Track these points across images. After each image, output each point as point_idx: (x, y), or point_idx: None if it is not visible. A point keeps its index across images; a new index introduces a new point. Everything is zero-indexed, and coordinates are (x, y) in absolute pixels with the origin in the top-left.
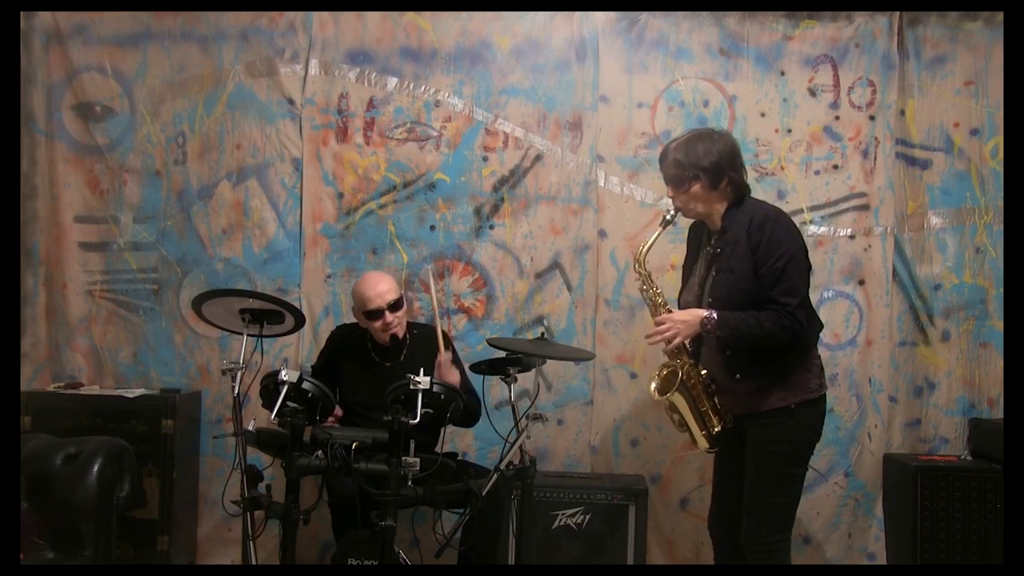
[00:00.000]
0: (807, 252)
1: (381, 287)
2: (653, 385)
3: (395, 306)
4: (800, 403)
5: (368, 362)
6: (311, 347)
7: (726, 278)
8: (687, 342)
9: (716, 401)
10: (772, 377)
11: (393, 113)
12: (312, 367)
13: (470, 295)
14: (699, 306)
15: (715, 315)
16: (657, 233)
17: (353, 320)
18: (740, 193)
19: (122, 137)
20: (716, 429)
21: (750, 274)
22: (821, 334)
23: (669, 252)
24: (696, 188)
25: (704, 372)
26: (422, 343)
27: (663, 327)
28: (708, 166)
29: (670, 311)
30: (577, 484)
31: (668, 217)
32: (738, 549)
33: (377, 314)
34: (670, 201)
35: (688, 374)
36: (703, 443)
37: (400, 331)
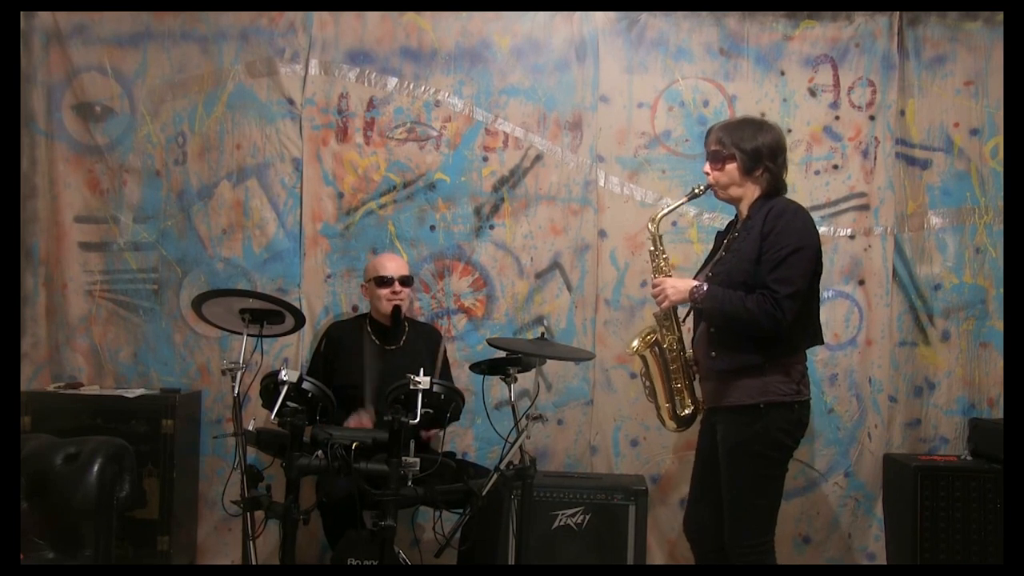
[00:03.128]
0: (819, 254)
1: (399, 262)
2: (635, 343)
3: (405, 281)
4: (769, 404)
5: (369, 347)
6: (311, 347)
7: (732, 258)
8: (680, 317)
9: (695, 386)
10: (744, 363)
11: (393, 113)
12: (307, 370)
13: (470, 295)
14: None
15: (705, 287)
16: (681, 202)
17: (349, 315)
18: (775, 187)
19: (122, 137)
20: (685, 411)
21: (754, 257)
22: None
23: (670, 254)
24: (731, 167)
25: (690, 353)
26: (422, 335)
27: (656, 289)
28: (748, 149)
29: (670, 276)
30: (577, 484)
31: (697, 190)
32: (716, 552)
33: (388, 281)
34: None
35: (669, 345)
36: (668, 420)
37: (405, 306)
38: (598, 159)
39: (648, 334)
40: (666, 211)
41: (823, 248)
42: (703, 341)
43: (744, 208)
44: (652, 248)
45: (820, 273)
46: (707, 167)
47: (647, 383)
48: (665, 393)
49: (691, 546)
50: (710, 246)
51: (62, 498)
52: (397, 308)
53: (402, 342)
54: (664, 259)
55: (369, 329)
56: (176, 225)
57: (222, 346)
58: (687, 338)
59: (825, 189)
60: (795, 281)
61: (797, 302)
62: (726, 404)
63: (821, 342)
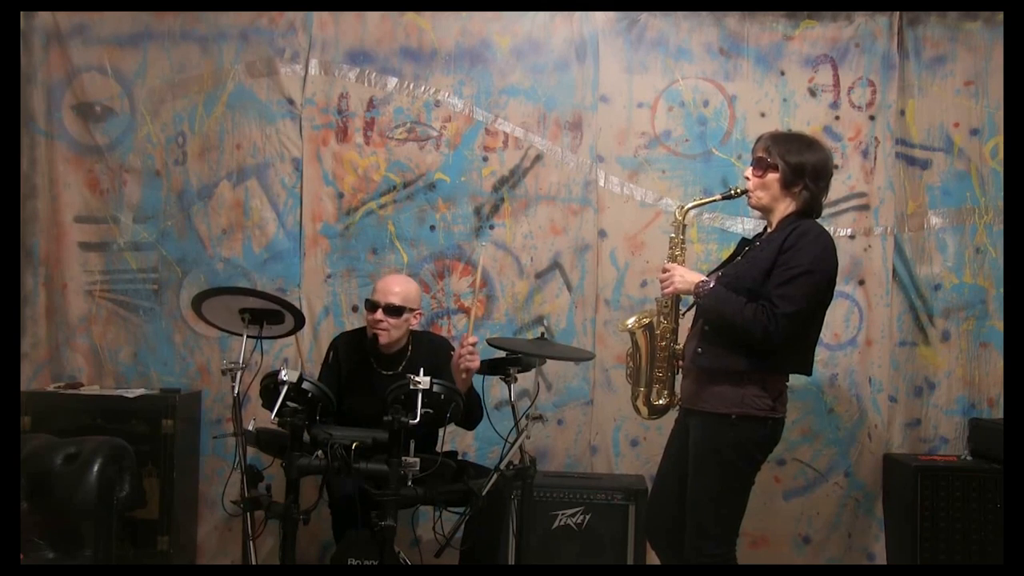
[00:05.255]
0: (831, 283)
1: (393, 287)
2: (631, 319)
3: (391, 310)
4: (742, 416)
5: (367, 370)
6: (311, 347)
7: (745, 264)
8: (680, 311)
9: (675, 381)
10: (726, 366)
11: (393, 113)
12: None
13: (470, 295)
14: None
15: (711, 283)
16: (715, 198)
17: (351, 327)
18: (810, 208)
19: (122, 137)
20: (660, 401)
21: (766, 268)
22: (821, 335)
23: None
24: (772, 177)
25: (678, 348)
26: (425, 352)
27: (665, 274)
28: (792, 163)
29: (683, 263)
30: (577, 484)
31: (734, 191)
32: (677, 554)
33: (372, 305)
34: (674, 205)
35: (662, 332)
36: (641, 406)
37: (385, 337)
38: (598, 159)
39: (645, 316)
40: (697, 203)
41: None
42: (695, 336)
43: (774, 221)
44: (673, 235)
45: (827, 304)
46: (748, 171)
47: (630, 364)
48: (645, 378)
49: (651, 545)
50: (710, 246)
51: (62, 498)
52: (375, 337)
53: (401, 368)
54: (682, 248)
55: (370, 352)
56: (176, 225)
57: (222, 346)
58: (683, 334)
59: None
60: (797, 301)
61: (794, 323)
62: (700, 408)
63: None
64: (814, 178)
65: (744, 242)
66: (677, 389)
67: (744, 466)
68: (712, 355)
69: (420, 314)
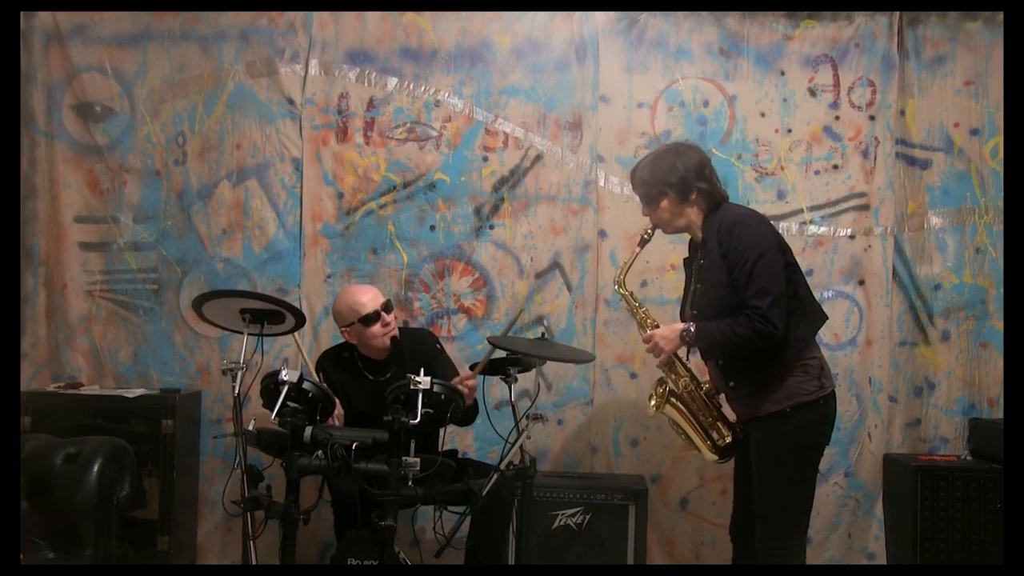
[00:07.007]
0: (783, 249)
1: (370, 293)
2: (652, 402)
3: (388, 307)
4: (795, 406)
5: (360, 381)
6: (311, 347)
7: (706, 288)
8: (683, 356)
9: (723, 412)
10: (764, 382)
11: (393, 113)
12: None
13: (470, 295)
14: (689, 318)
15: (692, 328)
16: (635, 253)
17: (334, 344)
18: (714, 201)
19: (122, 137)
20: (726, 440)
21: (724, 280)
22: (820, 335)
23: (669, 252)
24: (665, 204)
25: (707, 384)
26: (409, 347)
27: (648, 345)
28: (675, 181)
29: (657, 326)
30: (577, 484)
31: (645, 236)
32: (753, 554)
33: (375, 317)
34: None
35: (684, 388)
36: (709, 455)
37: (394, 333)
38: (598, 159)
39: (659, 388)
40: (626, 268)
41: (823, 249)
42: (717, 376)
43: (697, 232)
44: (628, 308)
45: (794, 263)
46: (643, 210)
47: (679, 432)
48: (699, 433)
49: (733, 548)
50: None
51: (62, 498)
52: (395, 339)
53: (394, 369)
54: (644, 312)
55: (360, 364)
56: (176, 225)
57: (222, 346)
58: (698, 370)
59: (825, 189)
60: (771, 289)
61: (781, 307)
62: (757, 415)
63: (825, 318)
64: (700, 177)
65: (687, 262)
66: (730, 416)
67: (803, 456)
68: (745, 382)
69: None
